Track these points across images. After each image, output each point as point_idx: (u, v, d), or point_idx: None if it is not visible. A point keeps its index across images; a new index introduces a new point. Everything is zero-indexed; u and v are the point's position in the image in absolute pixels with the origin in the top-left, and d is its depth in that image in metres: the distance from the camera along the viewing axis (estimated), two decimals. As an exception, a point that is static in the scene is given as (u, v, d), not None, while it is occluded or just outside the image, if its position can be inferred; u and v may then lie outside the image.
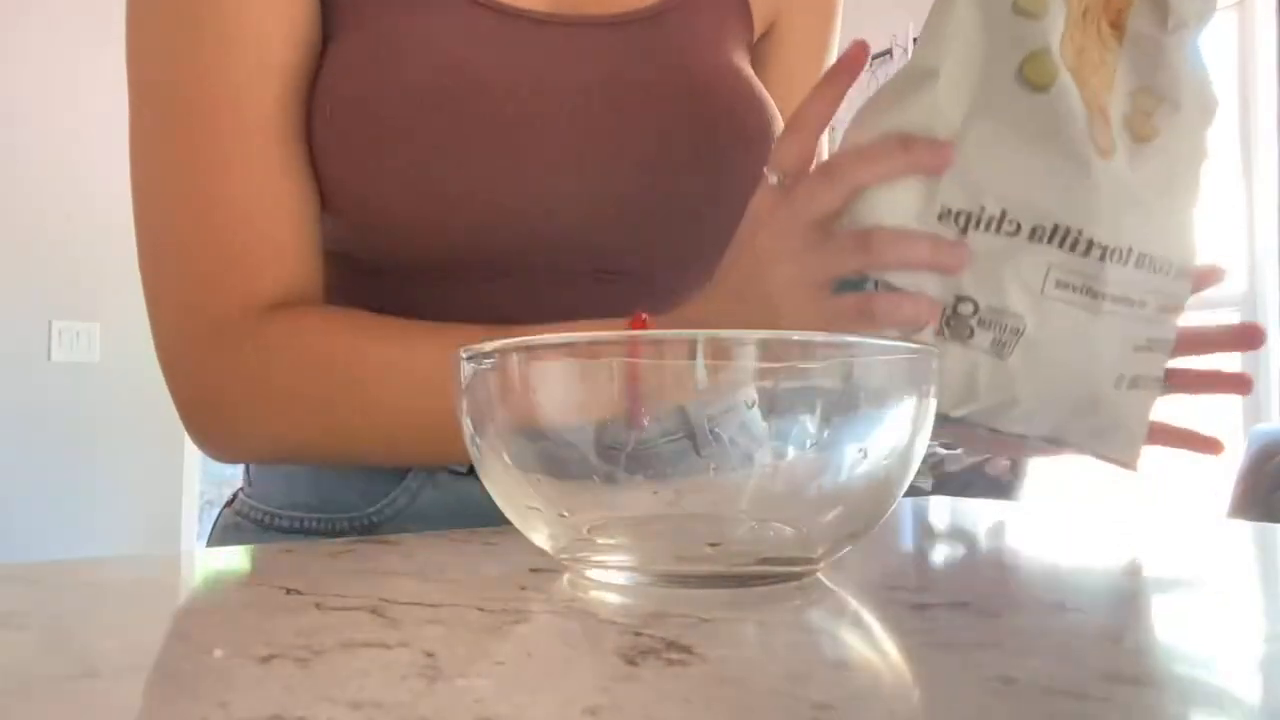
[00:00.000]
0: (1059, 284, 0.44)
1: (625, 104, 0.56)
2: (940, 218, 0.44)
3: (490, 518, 0.56)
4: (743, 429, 0.30)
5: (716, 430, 0.31)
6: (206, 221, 0.52)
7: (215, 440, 0.55)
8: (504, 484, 0.33)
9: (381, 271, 0.58)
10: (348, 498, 0.58)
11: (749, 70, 0.64)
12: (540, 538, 0.33)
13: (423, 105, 0.52)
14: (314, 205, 0.55)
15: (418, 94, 0.53)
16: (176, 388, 0.54)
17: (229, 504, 0.64)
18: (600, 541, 0.32)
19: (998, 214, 0.44)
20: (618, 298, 0.57)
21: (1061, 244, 0.44)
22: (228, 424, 0.54)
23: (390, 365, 0.51)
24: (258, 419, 0.53)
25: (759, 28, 0.68)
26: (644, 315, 0.46)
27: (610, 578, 0.32)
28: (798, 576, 0.32)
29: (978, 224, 0.44)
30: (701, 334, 0.29)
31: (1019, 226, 0.44)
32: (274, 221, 0.53)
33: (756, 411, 0.29)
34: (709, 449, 0.33)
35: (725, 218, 0.52)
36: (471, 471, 0.56)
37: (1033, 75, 0.43)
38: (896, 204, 0.44)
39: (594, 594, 0.31)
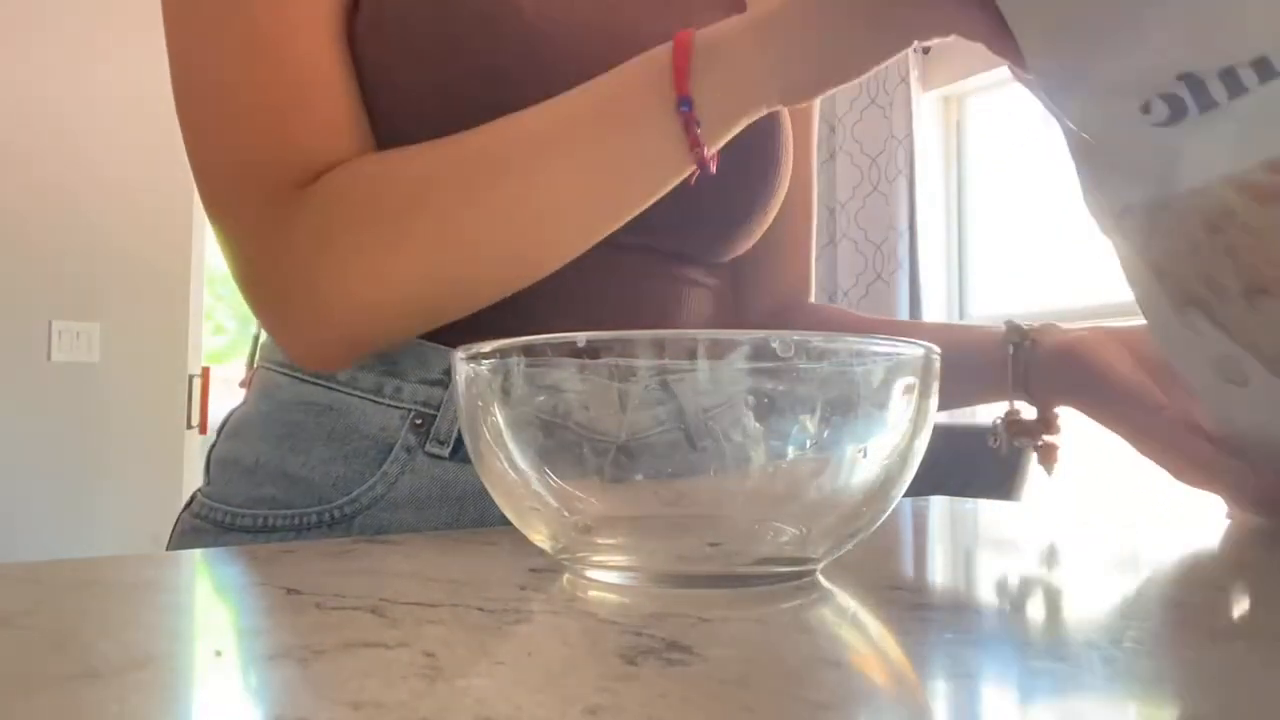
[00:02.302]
0: None
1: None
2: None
3: (472, 503, 0.56)
4: (737, 424, 0.30)
5: (711, 424, 0.31)
6: (265, 87, 0.51)
7: (299, 316, 0.51)
8: (504, 484, 0.33)
9: None
10: (320, 488, 0.55)
11: None
12: (540, 538, 0.33)
13: (469, 26, 0.53)
14: (359, 96, 0.55)
15: (465, 15, 0.53)
16: (241, 269, 0.52)
17: (187, 506, 0.61)
18: (600, 541, 0.32)
19: None
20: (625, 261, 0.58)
21: None
22: (306, 288, 0.50)
23: (478, 148, 0.49)
24: (337, 266, 0.49)
25: None
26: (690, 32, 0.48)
27: (610, 578, 0.32)
28: (797, 576, 0.32)
29: None
30: (701, 334, 0.30)
31: None
32: (332, 93, 0.52)
33: (751, 410, 0.29)
34: (704, 442, 0.33)
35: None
36: (455, 454, 0.55)
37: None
38: None
39: (594, 594, 0.31)
